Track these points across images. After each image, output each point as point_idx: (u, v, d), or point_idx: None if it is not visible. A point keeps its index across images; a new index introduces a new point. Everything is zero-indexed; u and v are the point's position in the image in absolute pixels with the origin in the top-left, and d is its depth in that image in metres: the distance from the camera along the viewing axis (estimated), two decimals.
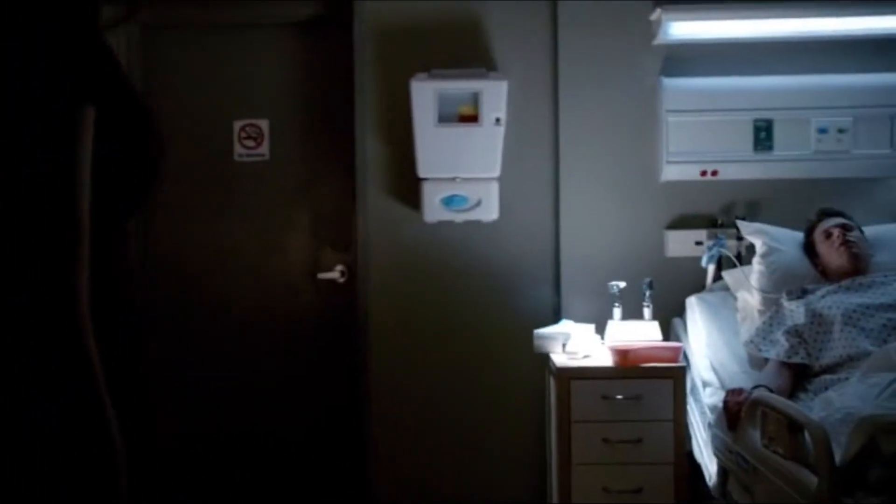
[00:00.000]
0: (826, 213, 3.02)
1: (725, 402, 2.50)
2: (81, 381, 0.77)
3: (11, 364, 0.76)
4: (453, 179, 3.31)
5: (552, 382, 3.00)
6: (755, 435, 2.36)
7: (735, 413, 2.44)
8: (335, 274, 3.50)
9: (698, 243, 3.33)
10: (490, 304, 3.41)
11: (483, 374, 3.41)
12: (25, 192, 0.76)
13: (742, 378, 2.85)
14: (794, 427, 2.15)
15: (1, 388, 0.76)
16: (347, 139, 3.43)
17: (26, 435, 0.77)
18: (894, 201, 3.35)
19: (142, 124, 0.85)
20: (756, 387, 2.54)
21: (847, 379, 2.54)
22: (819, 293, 2.84)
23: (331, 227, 3.54)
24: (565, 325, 3.11)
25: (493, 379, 3.40)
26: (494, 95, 3.26)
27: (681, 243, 3.35)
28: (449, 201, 3.33)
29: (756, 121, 3.28)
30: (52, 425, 0.76)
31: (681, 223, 3.39)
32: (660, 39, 3.31)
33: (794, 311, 2.81)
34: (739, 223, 3.21)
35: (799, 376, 2.73)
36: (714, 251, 3.12)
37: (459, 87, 3.27)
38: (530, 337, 3.23)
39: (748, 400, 2.42)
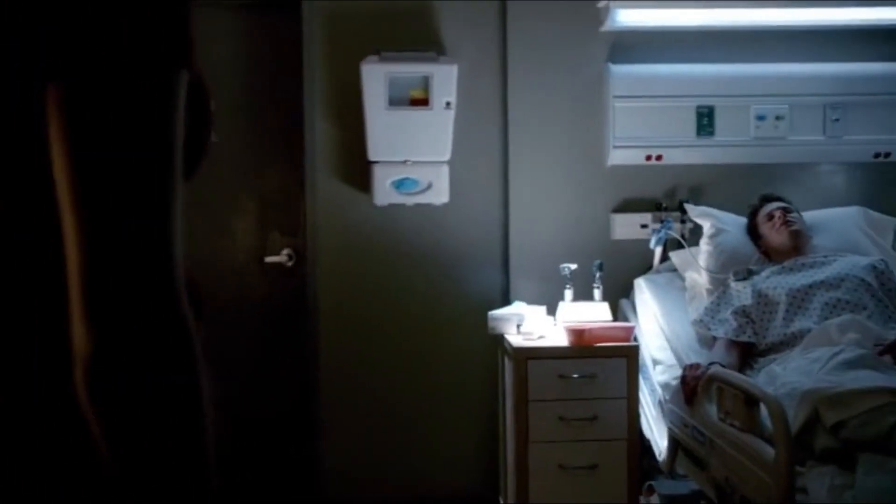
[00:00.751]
0: (768, 199, 3.14)
1: (683, 377, 2.58)
2: (178, 348, 0.77)
3: (109, 326, 0.76)
4: (404, 163, 3.32)
5: (507, 363, 3.05)
6: (711, 409, 2.45)
7: (693, 387, 2.52)
8: (282, 258, 3.48)
9: (643, 226, 3.42)
10: (440, 287, 3.43)
11: (433, 356, 3.44)
12: (126, 151, 0.77)
13: (692, 356, 2.94)
14: (751, 401, 2.24)
15: (100, 351, 0.76)
16: (296, 122, 3.40)
17: (124, 398, 0.76)
18: (827, 186, 3.50)
19: (204, 94, 0.86)
20: (711, 363, 2.64)
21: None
22: (764, 274, 2.96)
23: (278, 211, 3.51)
24: (518, 307, 3.16)
25: (443, 361, 3.44)
26: (445, 79, 3.28)
27: (626, 226, 3.44)
28: (399, 184, 3.34)
29: (699, 107, 3.38)
30: (148, 392, 0.76)
31: (626, 206, 3.47)
32: (607, 26, 3.38)
33: (741, 292, 2.91)
34: (688, 206, 3.32)
35: (746, 354, 2.83)
36: (662, 233, 3.21)
37: (410, 70, 3.28)
38: (480, 319, 3.27)
39: (704, 375, 2.51)
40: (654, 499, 3.06)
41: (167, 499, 0.78)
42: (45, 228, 0.79)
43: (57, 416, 0.80)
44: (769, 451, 2.11)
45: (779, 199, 3.15)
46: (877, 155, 3.43)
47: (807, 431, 2.16)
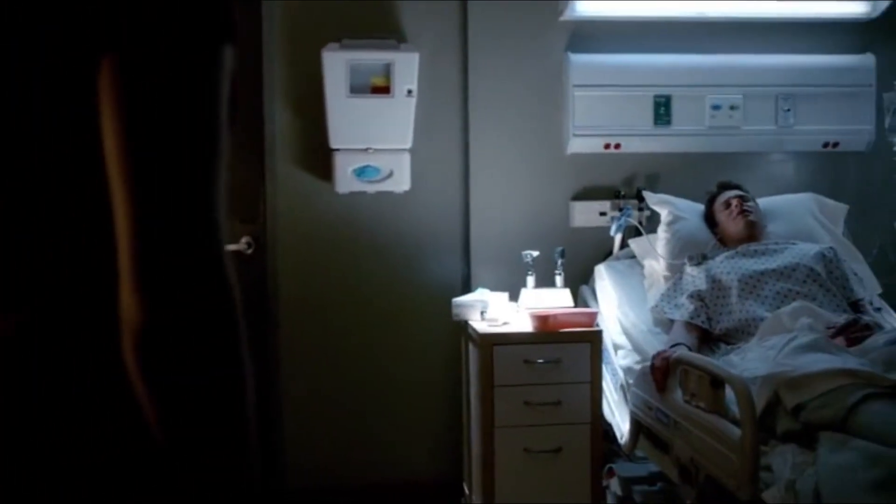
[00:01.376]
0: (725, 186, 3.21)
1: (653, 366, 2.62)
2: (226, 318, 0.78)
3: (161, 296, 0.76)
4: (365, 150, 3.32)
5: (472, 349, 3.08)
6: (677, 392, 2.51)
7: (664, 373, 2.56)
8: (241, 245, 3.45)
9: (602, 214, 3.48)
10: (401, 275, 3.44)
11: (394, 344, 3.45)
12: (179, 124, 0.77)
13: (651, 340, 3.01)
14: (716, 383, 2.30)
15: (153, 321, 0.76)
16: (257, 109, 3.37)
17: (176, 368, 0.77)
18: (779, 174, 3.59)
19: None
20: (675, 344, 2.70)
21: (749, 336, 2.74)
22: (718, 259, 3.03)
23: (238, 199, 3.48)
24: (482, 294, 3.19)
25: (404, 349, 3.45)
26: (406, 67, 3.28)
27: (586, 214, 3.49)
28: (361, 172, 3.33)
29: (656, 97, 3.44)
30: (200, 363, 0.77)
31: (585, 194, 3.52)
32: (566, 16, 3.42)
33: (696, 277, 2.98)
34: (646, 193, 3.37)
35: (704, 336, 2.90)
36: (622, 221, 3.27)
37: (371, 58, 3.27)
38: (442, 306, 3.30)
39: (671, 358, 2.56)
40: (615, 481, 3.13)
41: (214, 468, 0.79)
42: (93, 200, 0.79)
43: (104, 383, 0.80)
44: (735, 431, 2.17)
45: (736, 186, 3.23)
46: (825, 144, 3.53)
47: (768, 414, 2.23)
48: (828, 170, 3.61)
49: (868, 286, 3.09)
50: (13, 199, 0.80)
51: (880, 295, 3.16)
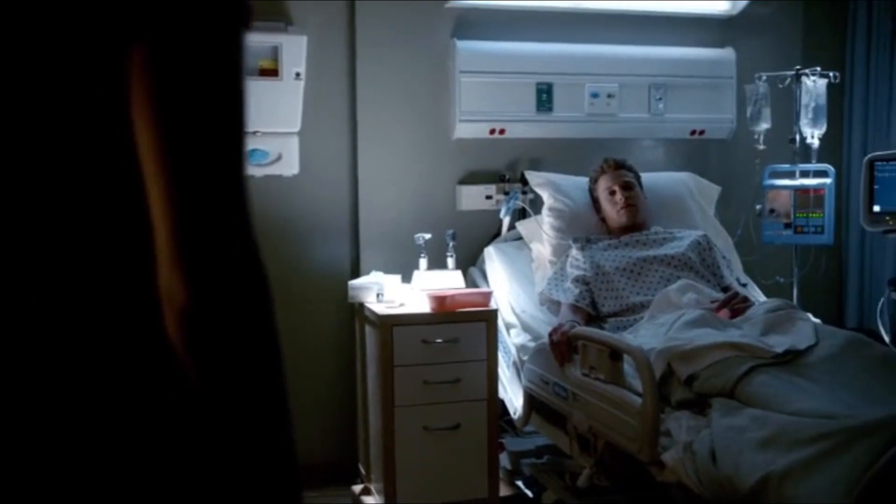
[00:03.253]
0: (614, 165, 3.28)
1: (552, 341, 2.72)
2: (262, 297, 0.81)
3: (205, 277, 0.78)
4: (253, 133, 3.27)
5: (370, 331, 3.10)
6: (575, 365, 2.62)
7: (566, 346, 2.66)
8: None
9: (488, 197, 3.57)
10: (290, 259, 3.42)
11: (285, 328, 3.36)
12: (212, 109, 0.78)
13: (541, 320, 3.13)
14: (615, 355, 2.44)
15: (198, 300, 0.78)
16: None
17: (223, 347, 0.79)
18: (652, 159, 3.79)
19: None
20: (568, 321, 2.82)
21: (636, 321, 2.89)
22: (601, 245, 3.16)
23: None
24: (376, 276, 3.22)
25: (294, 332, 3.42)
26: (294, 50, 3.26)
27: (472, 197, 3.57)
28: (249, 155, 3.29)
29: (538, 84, 3.55)
30: (244, 342, 0.80)
31: (471, 178, 3.60)
32: (452, 3, 3.49)
33: (580, 261, 3.10)
34: (528, 174, 3.46)
35: (589, 318, 3.03)
36: (511, 203, 3.37)
37: (259, 40, 3.23)
38: (331, 289, 3.30)
39: (569, 333, 2.67)
40: (504, 455, 3.24)
41: (259, 440, 0.81)
42: (122, 182, 0.80)
43: (144, 359, 0.81)
44: (635, 399, 2.31)
45: (622, 163, 3.30)
46: (692, 132, 3.77)
47: (662, 385, 2.38)
48: (695, 155, 3.85)
49: (734, 266, 3.31)
50: (39, 182, 0.80)
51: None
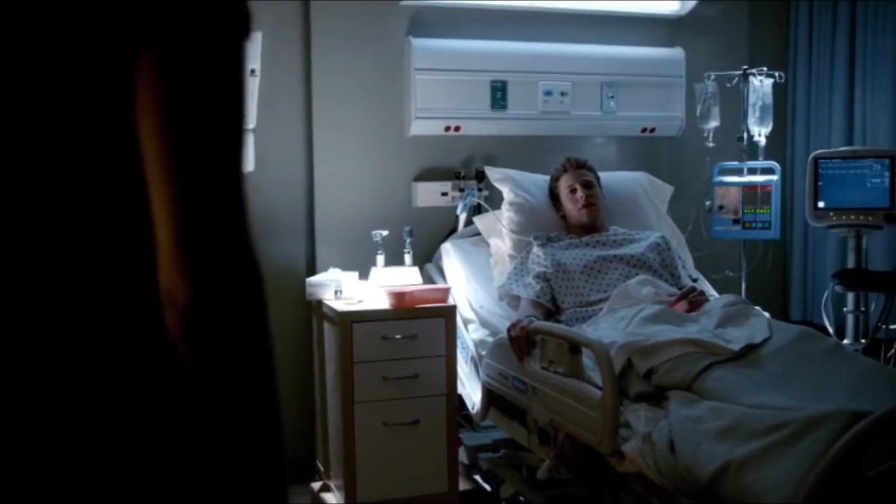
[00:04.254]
0: (575, 165, 3.32)
1: (511, 337, 2.76)
2: (259, 297, 0.83)
3: (207, 276, 0.79)
4: None
5: (328, 327, 3.10)
6: (534, 359, 2.66)
7: (525, 340, 2.70)
8: None
9: (444, 194, 3.60)
10: None
11: None
12: (218, 116, 0.80)
13: (499, 315, 3.16)
14: (575, 349, 2.48)
15: (201, 299, 0.79)
16: None
17: (225, 346, 0.81)
18: (605, 157, 3.85)
19: None
20: (526, 317, 2.85)
21: (595, 311, 2.94)
22: (562, 244, 3.20)
23: None
24: (334, 273, 3.22)
25: None
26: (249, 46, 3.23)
27: (428, 194, 3.59)
28: None
29: (493, 82, 3.59)
30: (248, 341, 0.83)
31: (427, 175, 3.62)
32: (407, 1, 3.50)
33: (541, 258, 3.14)
34: (487, 169, 3.49)
35: (548, 314, 3.07)
36: (468, 200, 3.39)
37: None
38: (288, 287, 3.29)
39: (529, 328, 2.71)
40: (461, 450, 3.27)
41: (256, 436, 0.83)
42: (124, 184, 0.81)
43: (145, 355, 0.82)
44: (595, 392, 2.35)
45: (584, 163, 3.34)
46: (644, 129, 3.84)
47: (621, 378, 2.43)
48: (647, 152, 3.92)
49: (688, 264, 3.39)
50: (41, 182, 0.81)
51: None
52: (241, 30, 0.82)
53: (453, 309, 3.05)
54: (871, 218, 3.15)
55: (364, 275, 3.29)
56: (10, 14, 0.78)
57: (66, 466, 0.80)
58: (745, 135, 3.63)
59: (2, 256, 0.80)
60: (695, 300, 2.77)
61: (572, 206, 3.26)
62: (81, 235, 0.81)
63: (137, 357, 0.82)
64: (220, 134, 0.80)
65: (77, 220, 0.81)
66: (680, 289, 3.03)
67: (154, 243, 0.80)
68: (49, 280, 0.80)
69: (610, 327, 2.71)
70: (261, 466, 0.83)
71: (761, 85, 3.57)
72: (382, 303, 3.04)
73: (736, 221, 3.57)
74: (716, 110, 3.58)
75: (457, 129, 3.57)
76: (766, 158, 3.61)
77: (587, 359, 2.50)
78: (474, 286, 3.28)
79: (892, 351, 3.11)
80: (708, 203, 3.65)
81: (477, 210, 3.52)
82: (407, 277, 3.24)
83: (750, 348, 2.41)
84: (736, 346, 2.39)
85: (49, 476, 0.80)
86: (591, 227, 3.23)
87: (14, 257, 0.80)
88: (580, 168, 3.30)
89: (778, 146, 3.95)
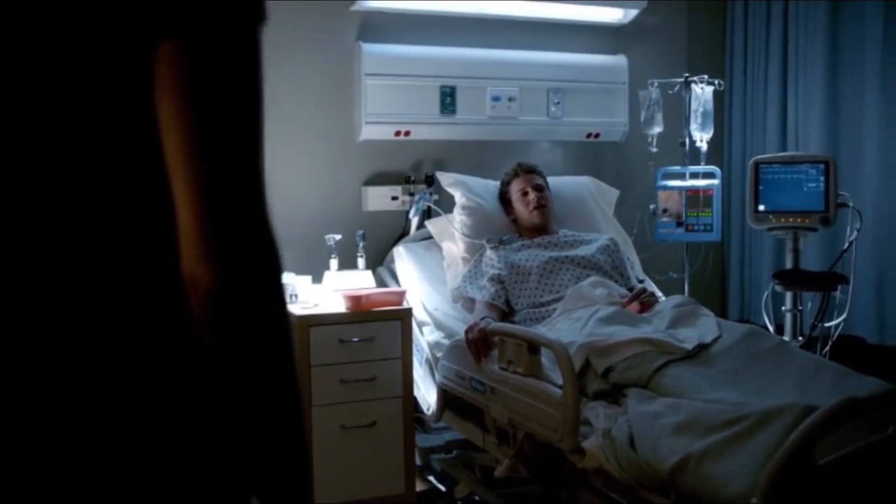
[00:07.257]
0: (525, 170, 3.39)
1: (468, 338, 2.79)
2: (279, 286, 0.85)
3: (232, 265, 0.80)
4: None
5: None
6: (493, 360, 2.70)
7: (484, 343, 2.74)
8: None
9: (394, 198, 3.63)
10: None
11: None
12: (240, 105, 0.82)
13: (454, 317, 3.20)
14: (533, 349, 2.53)
15: (225, 287, 0.81)
16: None
17: (250, 334, 0.83)
18: (552, 161, 3.92)
19: None
20: (482, 318, 2.90)
21: (548, 313, 2.99)
22: (515, 246, 3.26)
23: None
24: (287, 277, 3.21)
25: None
26: None
27: (378, 198, 3.62)
28: None
29: (442, 87, 3.63)
30: (270, 330, 0.84)
31: (377, 180, 3.64)
32: (357, 6, 3.52)
33: (495, 260, 3.19)
34: (439, 174, 3.53)
35: (503, 315, 3.12)
36: (420, 204, 3.43)
37: None
38: None
39: (486, 329, 2.75)
40: (415, 451, 3.29)
41: (277, 419, 0.85)
42: (145, 175, 0.82)
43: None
44: (554, 390, 2.41)
45: (533, 168, 3.41)
46: (588, 135, 3.92)
47: (580, 377, 2.49)
48: (592, 157, 4.01)
49: (635, 265, 3.48)
50: (54, 176, 0.81)
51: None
52: (258, 15, 0.83)
53: (409, 311, 3.08)
54: (807, 220, 3.28)
55: (317, 279, 3.30)
56: (28, 4, 0.78)
57: (66, 466, 0.80)
58: (687, 140, 3.74)
59: (2, 256, 0.80)
60: (646, 301, 2.85)
61: (524, 209, 3.32)
62: (95, 231, 0.81)
63: (149, 350, 0.83)
64: (239, 120, 0.82)
65: (91, 216, 0.81)
66: (630, 290, 3.12)
67: (176, 229, 0.80)
68: (49, 280, 0.81)
69: (567, 328, 2.77)
70: (288, 445, 0.85)
71: (703, 92, 3.68)
72: (338, 306, 3.05)
73: (679, 224, 3.68)
74: (659, 116, 3.69)
75: (407, 133, 3.60)
76: (706, 163, 3.73)
77: (545, 359, 2.56)
78: (428, 289, 3.31)
79: (828, 346, 3.24)
80: (652, 206, 3.75)
81: (427, 214, 3.55)
82: (360, 281, 3.25)
83: (702, 347, 2.50)
84: (689, 346, 2.48)
85: (51, 476, 0.80)
86: (542, 229, 3.29)
87: (13, 257, 0.80)
88: (531, 173, 3.37)
89: (717, 151, 4.08)
